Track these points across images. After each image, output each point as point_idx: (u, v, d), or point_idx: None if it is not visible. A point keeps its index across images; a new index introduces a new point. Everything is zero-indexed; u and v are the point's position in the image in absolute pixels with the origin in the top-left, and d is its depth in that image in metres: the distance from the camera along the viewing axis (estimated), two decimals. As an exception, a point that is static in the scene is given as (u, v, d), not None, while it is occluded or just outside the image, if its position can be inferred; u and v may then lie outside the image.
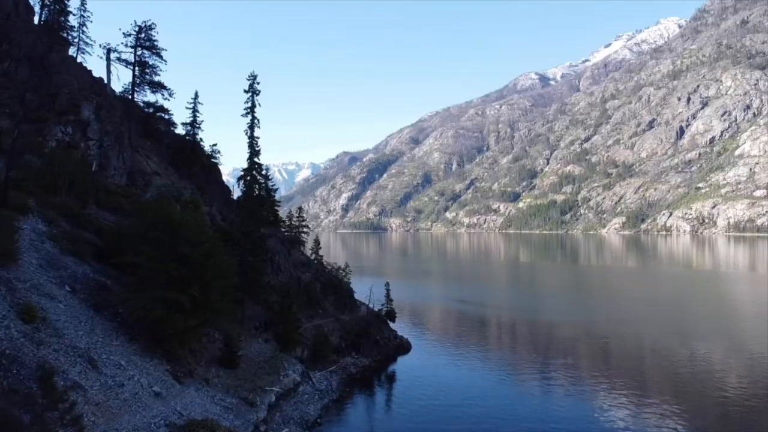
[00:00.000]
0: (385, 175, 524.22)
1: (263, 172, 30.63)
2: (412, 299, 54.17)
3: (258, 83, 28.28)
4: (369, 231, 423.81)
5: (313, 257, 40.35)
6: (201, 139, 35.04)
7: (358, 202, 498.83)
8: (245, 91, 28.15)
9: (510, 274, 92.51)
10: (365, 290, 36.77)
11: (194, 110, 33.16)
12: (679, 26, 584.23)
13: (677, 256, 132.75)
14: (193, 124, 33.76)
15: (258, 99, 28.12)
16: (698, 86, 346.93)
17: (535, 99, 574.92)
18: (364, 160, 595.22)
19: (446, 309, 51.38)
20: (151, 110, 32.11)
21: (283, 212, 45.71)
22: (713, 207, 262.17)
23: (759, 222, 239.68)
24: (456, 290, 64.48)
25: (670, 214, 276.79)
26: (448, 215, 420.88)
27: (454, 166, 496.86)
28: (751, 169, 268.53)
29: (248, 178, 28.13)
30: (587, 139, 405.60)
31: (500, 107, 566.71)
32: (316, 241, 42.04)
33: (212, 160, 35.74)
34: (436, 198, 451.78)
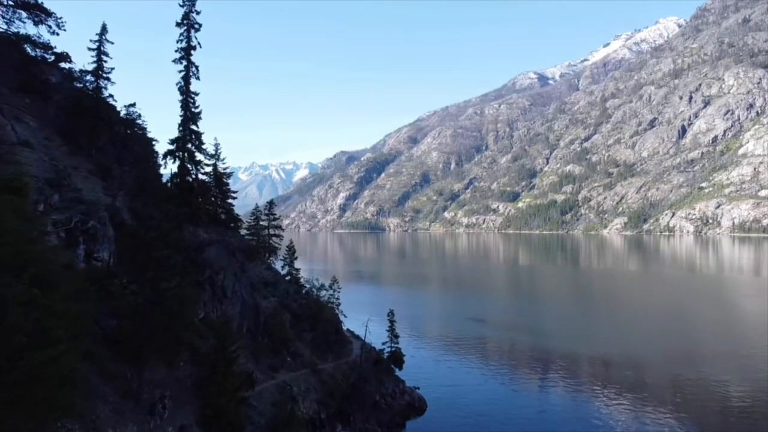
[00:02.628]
0: (383, 175, 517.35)
1: (205, 146, 21.77)
2: (417, 318, 46.05)
3: (197, 12, 19.86)
4: (367, 231, 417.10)
5: (285, 271, 30.45)
6: (111, 96, 23.17)
7: (355, 202, 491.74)
8: (177, 24, 19.88)
9: (518, 282, 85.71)
10: (361, 304, 29.50)
11: (99, 51, 21.61)
12: (679, 26, 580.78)
13: (683, 258, 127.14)
14: (98, 73, 21.98)
15: (197, 36, 19.65)
16: (700, 85, 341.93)
17: (534, 98, 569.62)
18: (362, 159, 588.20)
19: (462, 334, 42.23)
20: (42, 53, 21.09)
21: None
22: (717, 207, 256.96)
23: (765, 222, 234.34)
24: (465, 304, 57.19)
25: (673, 215, 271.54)
26: (447, 215, 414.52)
27: (453, 165, 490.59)
28: (755, 169, 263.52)
29: (181, 154, 19.82)
30: (587, 139, 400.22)
31: (499, 106, 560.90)
32: (290, 249, 31.54)
33: (130, 129, 23.49)
34: (434, 198, 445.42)
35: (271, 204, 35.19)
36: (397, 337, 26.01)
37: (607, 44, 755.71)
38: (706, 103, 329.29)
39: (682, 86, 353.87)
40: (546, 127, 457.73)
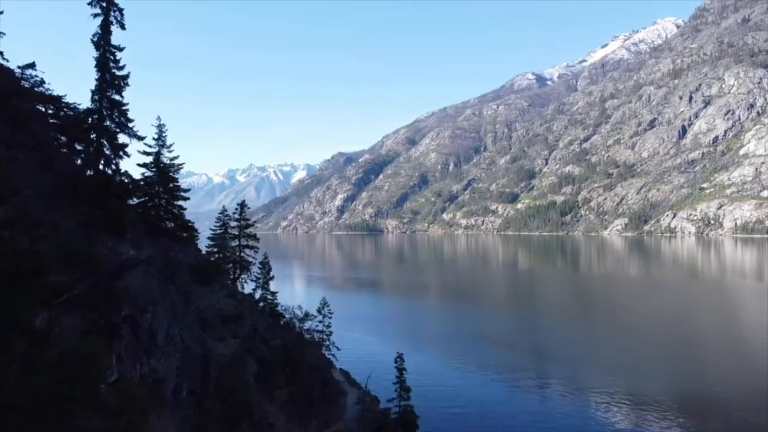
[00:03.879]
0: (381, 176, 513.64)
1: (135, 126, 16.06)
2: (423, 342, 39.79)
3: None
4: (365, 233, 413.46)
5: (258, 296, 24.00)
6: (1, 54, 15.28)
7: (353, 203, 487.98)
8: None
9: (520, 291, 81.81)
10: (360, 320, 25.25)
11: None
12: (677, 26, 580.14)
13: (688, 262, 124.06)
14: None
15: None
16: (700, 85, 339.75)
17: (533, 99, 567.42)
18: (360, 160, 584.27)
19: (474, 362, 35.32)
20: None
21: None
22: (719, 208, 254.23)
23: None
24: (472, 320, 51.79)
25: (674, 215, 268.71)
26: (445, 216, 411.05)
27: (451, 166, 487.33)
28: (756, 169, 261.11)
29: (97, 135, 14.69)
30: (586, 139, 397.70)
31: (497, 107, 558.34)
32: (264, 266, 24.97)
33: (39, 102, 15.78)
34: (432, 199, 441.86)
35: (242, 206, 27.20)
36: (408, 391, 19.41)
37: (605, 45, 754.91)
38: (707, 103, 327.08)
39: (682, 86, 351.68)
40: (545, 127, 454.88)
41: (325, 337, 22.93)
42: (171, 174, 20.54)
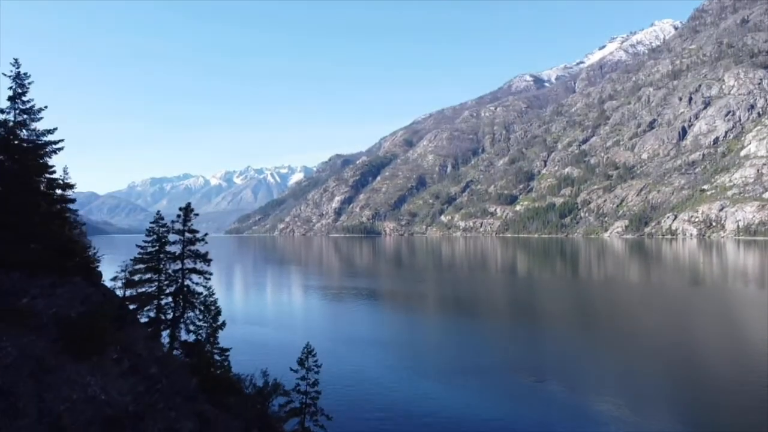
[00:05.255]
0: (378, 178, 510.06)
1: None
2: (423, 372, 33.98)
3: None
4: (362, 235, 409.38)
5: (205, 339, 15.46)
6: None
7: (351, 206, 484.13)
8: None
9: (523, 301, 77.35)
10: (357, 338, 20.80)
11: None
12: (675, 28, 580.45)
13: (690, 265, 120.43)
14: None
15: None
16: (700, 86, 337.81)
17: (531, 101, 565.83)
18: (358, 162, 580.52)
19: (486, 392, 29.00)
20: None
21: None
22: (720, 210, 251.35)
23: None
24: (477, 337, 46.90)
25: (675, 217, 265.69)
26: (444, 219, 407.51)
27: (449, 168, 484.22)
28: (758, 170, 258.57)
29: None
30: (585, 141, 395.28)
31: (495, 109, 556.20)
32: (209, 310, 16.24)
33: None
34: (430, 201, 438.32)
35: (187, 211, 17.12)
36: None
37: (603, 46, 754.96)
38: (707, 104, 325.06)
39: (682, 87, 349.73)
40: (543, 129, 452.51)
41: (309, 401, 15.32)
42: (38, 159, 11.75)
